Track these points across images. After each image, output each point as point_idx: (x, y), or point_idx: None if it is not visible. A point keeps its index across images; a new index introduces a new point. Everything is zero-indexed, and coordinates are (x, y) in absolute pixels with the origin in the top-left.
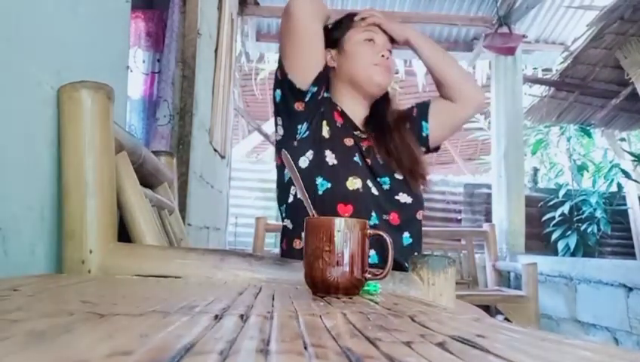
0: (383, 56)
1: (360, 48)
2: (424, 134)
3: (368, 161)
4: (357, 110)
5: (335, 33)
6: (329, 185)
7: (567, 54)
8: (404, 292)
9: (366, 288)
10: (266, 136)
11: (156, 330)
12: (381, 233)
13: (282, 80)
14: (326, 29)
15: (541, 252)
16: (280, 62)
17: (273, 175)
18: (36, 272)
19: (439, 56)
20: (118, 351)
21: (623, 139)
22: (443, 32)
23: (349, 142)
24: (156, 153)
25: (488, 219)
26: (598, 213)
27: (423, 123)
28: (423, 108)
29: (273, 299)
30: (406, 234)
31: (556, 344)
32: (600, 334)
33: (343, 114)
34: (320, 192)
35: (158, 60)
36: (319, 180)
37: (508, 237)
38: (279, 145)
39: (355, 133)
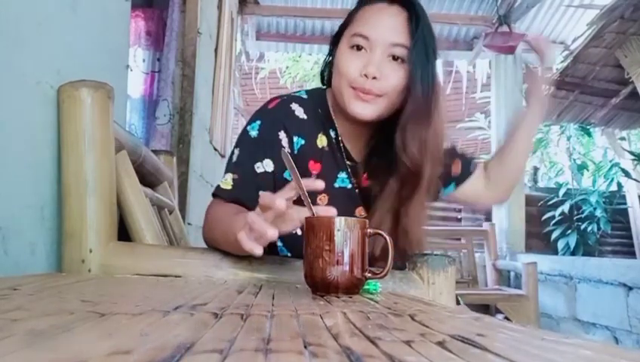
0: (366, 75)
1: (341, 60)
2: (441, 191)
3: (360, 211)
4: (355, 131)
5: (341, 26)
6: (289, 254)
7: (567, 53)
8: (404, 292)
9: (366, 287)
10: None
11: (156, 329)
12: (381, 232)
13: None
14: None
15: (541, 251)
16: None
17: None
18: (36, 271)
19: (528, 152)
20: (118, 350)
21: (623, 138)
22: (443, 32)
23: (322, 200)
24: (156, 152)
25: (488, 218)
26: (598, 212)
27: (452, 185)
28: (465, 172)
29: (273, 298)
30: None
31: (556, 343)
32: (600, 333)
33: (329, 144)
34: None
35: (158, 59)
36: (279, 244)
37: (508, 237)
38: None
39: (350, 163)
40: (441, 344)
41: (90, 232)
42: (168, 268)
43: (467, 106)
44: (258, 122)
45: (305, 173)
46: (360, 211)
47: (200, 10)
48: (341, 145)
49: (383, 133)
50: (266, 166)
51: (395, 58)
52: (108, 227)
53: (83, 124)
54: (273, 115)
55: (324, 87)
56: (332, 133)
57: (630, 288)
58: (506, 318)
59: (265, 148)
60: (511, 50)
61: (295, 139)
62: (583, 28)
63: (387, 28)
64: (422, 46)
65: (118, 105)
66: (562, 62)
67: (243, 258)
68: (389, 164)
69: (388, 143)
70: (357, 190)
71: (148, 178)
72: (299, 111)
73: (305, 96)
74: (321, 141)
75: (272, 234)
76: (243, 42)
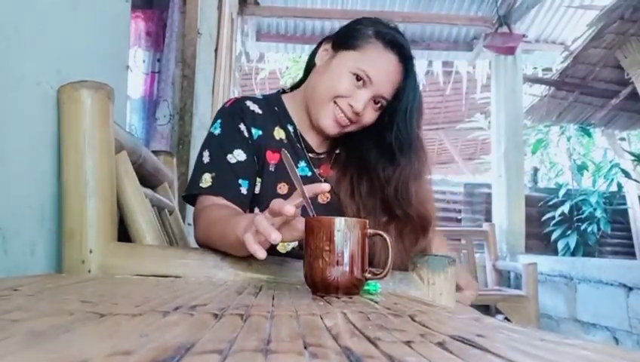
0: (351, 106)
1: (337, 75)
2: None
3: (323, 197)
4: (313, 126)
5: (345, 39)
6: None
7: (567, 54)
8: (404, 292)
9: (366, 288)
10: None
11: (156, 330)
12: (381, 233)
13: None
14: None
15: (541, 251)
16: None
17: None
18: (36, 272)
19: None
20: (118, 350)
21: (622, 139)
22: (443, 32)
23: (282, 189)
24: (156, 153)
25: (488, 219)
26: (598, 213)
27: None
28: None
29: (273, 298)
30: None
31: (556, 344)
32: (600, 334)
33: (288, 137)
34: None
35: (158, 60)
36: None
37: (508, 237)
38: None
39: (310, 155)
40: (441, 344)
41: (90, 233)
42: (168, 268)
43: (467, 107)
44: (219, 121)
45: (263, 163)
46: (323, 197)
47: (200, 10)
48: (300, 137)
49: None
50: (238, 156)
51: (376, 102)
52: (108, 227)
53: (83, 125)
54: (231, 111)
55: (281, 91)
56: (290, 128)
57: (630, 289)
58: (506, 319)
59: (231, 140)
60: (511, 50)
61: (253, 130)
62: (582, 28)
63: (387, 80)
64: (414, 106)
65: (118, 106)
66: (562, 62)
67: (243, 258)
68: (353, 156)
69: (350, 136)
70: (320, 178)
71: (148, 179)
72: (254, 107)
73: (260, 97)
74: (279, 133)
75: (276, 237)
76: (243, 43)
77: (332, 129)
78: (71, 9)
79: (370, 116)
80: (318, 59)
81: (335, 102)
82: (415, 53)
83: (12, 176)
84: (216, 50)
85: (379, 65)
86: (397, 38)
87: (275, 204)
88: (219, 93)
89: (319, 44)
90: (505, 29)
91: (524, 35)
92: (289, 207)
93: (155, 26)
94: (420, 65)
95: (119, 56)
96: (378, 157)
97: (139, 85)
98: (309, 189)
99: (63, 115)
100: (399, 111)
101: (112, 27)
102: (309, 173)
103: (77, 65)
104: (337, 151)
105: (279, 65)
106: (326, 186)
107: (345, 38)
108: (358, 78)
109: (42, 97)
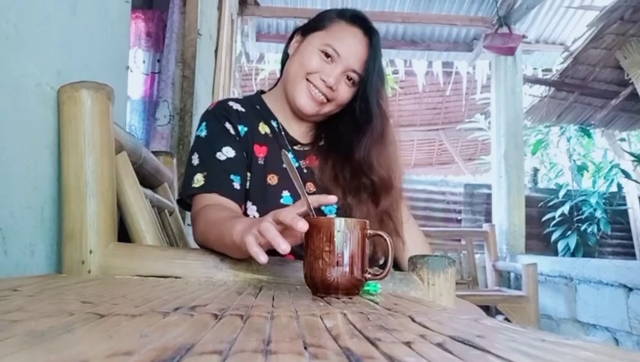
0: (324, 81)
1: (309, 54)
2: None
3: (310, 186)
4: (296, 119)
5: (312, 24)
6: None
7: (567, 54)
8: (405, 293)
9: (366, 288)
10: None
11: (156, 330)
12: (381, 233)
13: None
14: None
15: (541, 252)
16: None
17: None
18: (36, 272)
19: None
20: (118, 351)
21: (622, 140)
22: (443, 33)
23: (272, 179)
24: (156, 153)
25: (488, 220)
26: (598, 213)
27: None
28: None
29: (273, 299)
30: None
31: (556, 344)
32: (600, 334)
33: (272, 132)
34: None
35: (158, 60)
36: None
37: (508, 238)
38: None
39: (295, 148)
40: (440, 345)
41: (91, 233)
42: (168, 269)
43: (467, 107)
44: (204, 123)
45: (251, 157)
46: (310, 186)
47: (200, 11)
48: (282, 132)
49: (327, 119)
50: (227, 153)
51: (349, 79)
52: (108, 228)
53: (83, 125)
54: (215, 112)
55: (260, 92)
56: (273, 123)
57: (630, 289)
58: (507, 319)
59: (218, 139)
60: (511, 51)
61: (239, 127)
62: (582, 29)
63: (355, 53)
64: (376, 76)
65: (118, 107)
66: (562, 63)
67: (243, 259)
68: (334, 143)
69: (332, 126)
70: (305, 169)
71: (148, 179)
72: (237, 106)
73: (241, 98)
74: (264, 128)
75: (286, 248)
76: (243, 43)
77: (308, 107)
78: (71, 9)
79: (344, 92)
80: (290, 50)
81: (308, 80)
82: (415, 53)
83: (12, 176)
84: (216, 51)
85: (344, 39)
86: (359, 13)
87: (287, 217)
88: (219, 93)
89: (291, 38)
90: (505, 29)
91: (524, 36)
92: (302, 224)
93: (155, 27)
94: (419, 66)
95: (119, 57)
96: (350, 133)
97: (139, 86)
98: (316, 200)
99: (63, 116)
100: (362, 80)
101: (112, 27)
102: (296, 165)
103: (77, 66)
104: (321, 143)
105: (279, 65)
106: (333, 198)
107: (312, 23)
108: (327, 54)
109: (42, 97)
